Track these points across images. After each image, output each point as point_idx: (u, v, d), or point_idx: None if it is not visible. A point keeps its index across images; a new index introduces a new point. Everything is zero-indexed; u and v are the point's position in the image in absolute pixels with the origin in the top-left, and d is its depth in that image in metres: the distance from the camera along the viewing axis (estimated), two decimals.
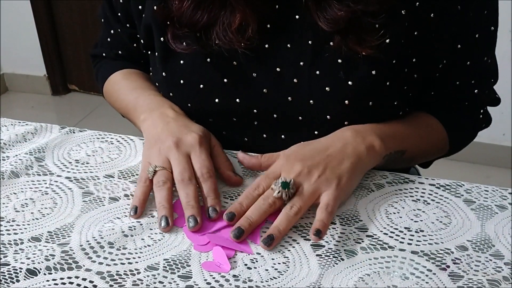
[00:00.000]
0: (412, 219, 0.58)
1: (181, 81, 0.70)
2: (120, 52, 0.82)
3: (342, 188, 0.58)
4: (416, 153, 0.71)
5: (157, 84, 0.74)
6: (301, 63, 0.66)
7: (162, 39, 0.69)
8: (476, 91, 0.72)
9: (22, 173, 0.66)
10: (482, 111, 0.77)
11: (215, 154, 0.65)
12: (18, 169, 0.66)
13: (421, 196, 0.61)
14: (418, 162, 0.77)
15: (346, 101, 0.65)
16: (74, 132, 0.74)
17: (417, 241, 0.55)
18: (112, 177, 0.65)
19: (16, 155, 0.69)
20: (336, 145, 0.62)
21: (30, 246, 0.54)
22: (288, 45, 0.66)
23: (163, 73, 0.71)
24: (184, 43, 0.67)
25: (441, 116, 0.73)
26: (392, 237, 0.55)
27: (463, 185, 0.63)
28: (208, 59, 0.68)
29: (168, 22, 0.67)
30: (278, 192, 0.57)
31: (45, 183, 0.64)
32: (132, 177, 0.65)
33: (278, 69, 0.67)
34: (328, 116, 0.67)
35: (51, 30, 2.46)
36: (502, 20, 0.69)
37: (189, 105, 0.70)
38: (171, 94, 0.72)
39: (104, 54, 0.85)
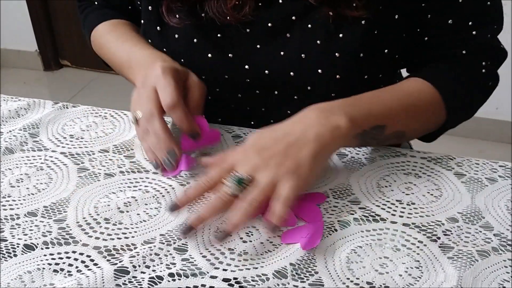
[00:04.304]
0: (403, 192, 0.59)
1: (176, 36, 0.69)
2: None
3: (300, 177, 0.54)
4: (401, 127, 0.63)
5: (149, 40, 0.73)
6: (293, 18, 0.66)
7: None
8: (474, 32, 0.65)
9: (17, 149, 0.66)
10: (484, 63, 0.68)
11: (189, 95, 0.64)
12: (13, 145, 0.66)
13: (413, 170, 0.62)
14: (410, 138, 0.69)
15: (337, 54, 0.65)
16: (67, 108, 0.74)
17: (409, 213, 0.56)
18: (107, 151, 0.65)
19: (10, 131, 0.69)
20: (296, 131, 0.57)
21: (26, 221, 0.55)
22: (280, 1, 0.66)
23: (158, 27, 0.70)
24: (177, 16, 0.68)
25: (435, 75, 0.66)
26: (384, 209, 0.56)
27: (454, 158, 0.64)
28: (203, 14, 0.67)
29: None
30: (235, 190, 0.54)
31: (40, 159, 0.64)
32: (127, 151, 0.65)
33: (269, 24, 0.67)
34: (319, 70, 0.67)
35: (42, 4, 2.42)
36: None
37: (182, 60, 0.70)
38: (164, 49, 0.71)
39: None
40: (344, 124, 0.57)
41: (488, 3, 0.65)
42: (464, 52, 0.67)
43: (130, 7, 0.80)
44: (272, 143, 0.56)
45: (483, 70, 0.68)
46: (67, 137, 0.68)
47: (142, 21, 0.73)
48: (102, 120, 0.71)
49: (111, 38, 0.78)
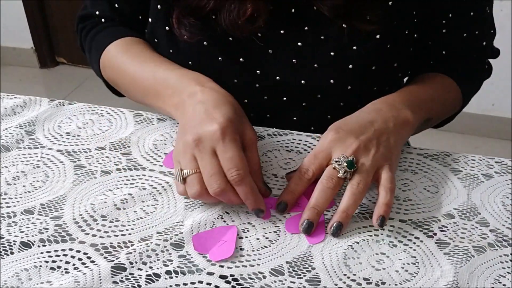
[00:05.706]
0: (400, 188, 0.59)
1: (185, 37, 0.67)
2: (116, 5, 0.73)
3: (393, 165, 0.57)
4: (437, 118, 0.72)
5: (155, 40, 0.71)
6: (306, 28, 0.66)
7: None
8: (484, 43, 0.72)
9: (13, 146, 0.66)
10: (487, 61, 0.77)
11: (247, 155, 0.55)
12: (9, 142, 0.66)
13: (409, 166, 0.62)
14: (434, 124, 0.75)
15: (350, 66, 0.66)
16: (63, 105, 0.74)
17: (405, 210, 0.56)
18: (103, 149, 0.65)
19: (6, 129, 0.69)
20: (378, 120, 0.59)
21: (23, 219, 0.55)
22: (293, 10, 0.66)
23: (166, 28, 0.69)
24: (187, 29, 0.65)
25: (453, 73, 0.73)
26: None
27: (450, 154, 0.64)
28: (214, 16, 0.65)
29: (173, 6, 0.65)
30: (344, 173, 0.53)
31: (37, 156, 0.64)
32: (124, 149, 0.65)
33: (282, 32, 0.67)
34: (331, 81, 0.67)
35: (37, 1, 2.41)
36: None
37: (190, 63, 0.69)
38: (171, 50, 0.70)
39: (97, 13, 0.74)
40: (411, 118, 0.61)
41: (488, 11, 0.71)
42: (475, 56, 0.75)
43: (140, 17, 0.74)
44: (362, 128, 0.57)
45: (486, 66, 0.78)
46: (63, 134, 0.68)
47: (149, 19, 0.71)
48: (99, 117, 0.71)
49: (126, 59, 0.69)
